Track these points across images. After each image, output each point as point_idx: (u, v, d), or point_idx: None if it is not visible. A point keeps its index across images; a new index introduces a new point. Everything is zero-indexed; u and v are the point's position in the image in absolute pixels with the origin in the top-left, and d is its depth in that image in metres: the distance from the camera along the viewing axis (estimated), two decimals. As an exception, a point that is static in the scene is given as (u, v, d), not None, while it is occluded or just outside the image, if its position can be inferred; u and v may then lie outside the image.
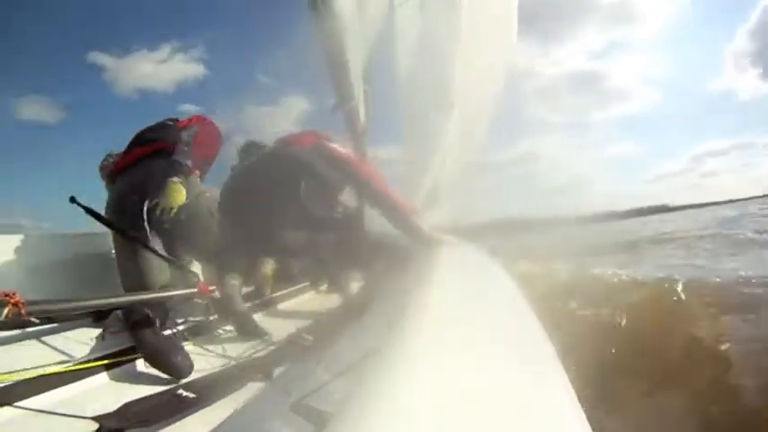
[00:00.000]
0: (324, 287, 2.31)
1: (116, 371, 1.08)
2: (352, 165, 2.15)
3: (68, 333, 1.21)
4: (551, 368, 0.53)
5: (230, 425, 0.86)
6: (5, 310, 0.79)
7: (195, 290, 1.49)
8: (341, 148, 2.18)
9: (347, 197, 2.34)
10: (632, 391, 2.32)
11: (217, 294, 1.60)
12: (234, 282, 1.80)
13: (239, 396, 1.03)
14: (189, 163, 1.59)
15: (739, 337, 2.65)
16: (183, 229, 1.54)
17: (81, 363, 1.02)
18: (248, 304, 1.71)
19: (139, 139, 1.68)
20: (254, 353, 1.29)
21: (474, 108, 3.27)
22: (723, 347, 2.55)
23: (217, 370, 1.19)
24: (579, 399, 0.46)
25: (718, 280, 3.79)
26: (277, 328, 1.51)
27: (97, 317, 1.31)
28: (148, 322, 1.23)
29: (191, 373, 1.13)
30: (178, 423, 0.87)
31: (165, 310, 1.35)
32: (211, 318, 1.54)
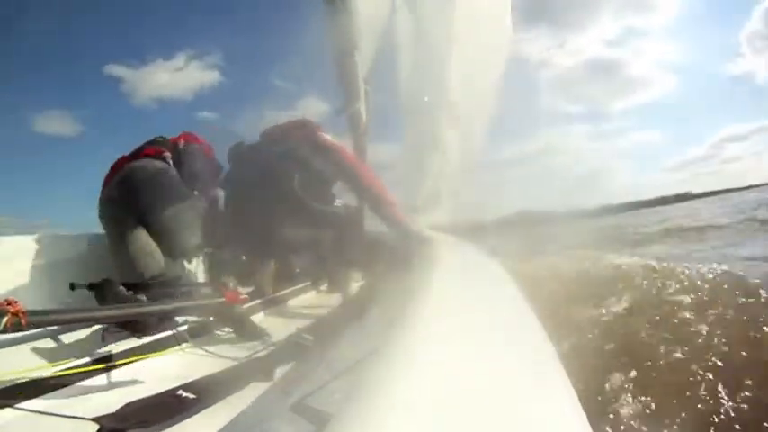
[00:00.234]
0: (324, 287, 2.31)
1: (116, 371, 1.08)
2: (339, 154, 2.18)
3: (68, 333, 1.21)
4: (551, 368, 0.53)
5: (230, 425, 0.86)
6: (5, 320, 0.77)
7: (222, 299, 1.43)
8: (329, 137, 2.20)
9: (342, 192, 2.36)
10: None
11: (247, 302, 1.60)
12: (229, 284, 1.81)
13: (239, 396, 1.03)
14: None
15: None
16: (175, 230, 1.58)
17: (81, 363, 1.02)
18: (245, 305, 1.70)
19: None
20: (255, 353, 1.29)
21: (473, 106, 3.27)
22: None
23: (217, 370, 1.19)
24: (580, 399, 0.46)
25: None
26: (277, 328, 1.51)
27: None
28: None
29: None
30: (178, 423, 0.87)
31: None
32: (211, 318, 1.54)
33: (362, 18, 1.97)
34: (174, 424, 0.86)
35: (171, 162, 1.73)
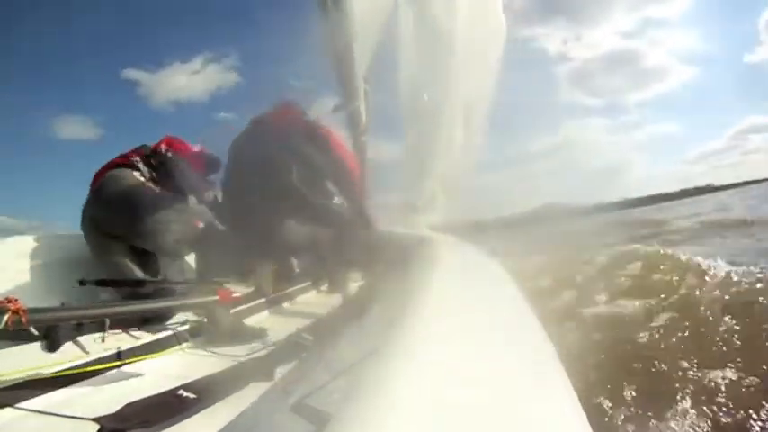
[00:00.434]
0: (324, 287, 2.31)
1: (117, 372, 1.08)
2: (328, 139, 2.21)
3: (69, 333, 1.21)
4: (551, 368, 0.53)
5: (230, 425, 0.86)
6: (5, 318, 0.76)
7: (216, 297, 1.42)
8: (319, 122, 2.22)
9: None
10: None
11: (240, 299, 1.59)
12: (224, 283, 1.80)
13: (239, 396, 1.03)
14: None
15: None
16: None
17: (81, 363, 1.02)
18: (237, 307, 1.65)
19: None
20: (255, 353, 1.29)
21: (474, 104, 3.28)
22: None
23: (217, 370, 1.19)
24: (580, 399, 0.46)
25: None
26: (277, 328, 1.50)
27: None
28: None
29: None
30: (178, 423, 0.87)
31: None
32: (204, 319, 1.53)
33: (359, 16, 1.97)
34: (174, 424, 0.86)
35: (141, 166, 1.70)
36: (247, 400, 0.97)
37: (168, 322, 1.37)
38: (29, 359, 0.97)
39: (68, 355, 1.06)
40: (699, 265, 3.56)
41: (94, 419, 0.80)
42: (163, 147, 1.81)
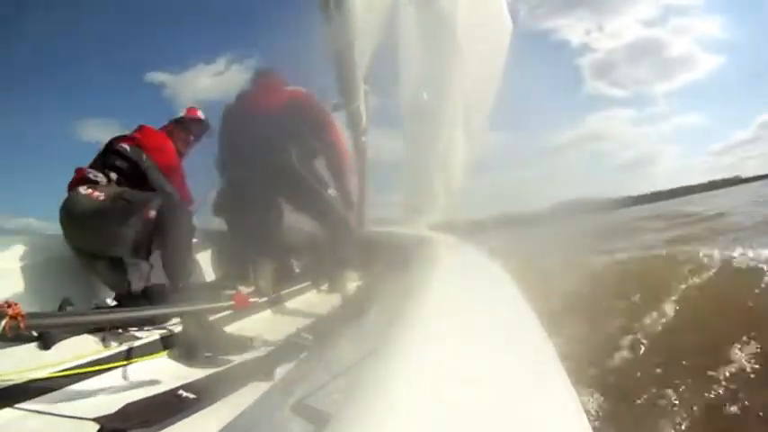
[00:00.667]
0: (324, 287, 2.31)
1: (117, 372, 1.08)
2: (332, 128, 2.27)
3: (69, 333, 1.21)
4: (551, 368, 0.53)
5: (231, 425, 0.86)
6: (3, 323, 0.75)
7: (231, 302, 1.36)
8: (321, 104, 2.25)
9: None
10: None
11: (257, 303, 1.54)
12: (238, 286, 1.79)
13: (240, 396, 1.03)
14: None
15: None
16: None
17: (82, 364, 1.02)
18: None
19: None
20: (255, 353, 1.29)
21: (476, 103, 3.27)
22: None
23: (217, 370, 1.19)
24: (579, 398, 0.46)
25: None
26: (277, 328, 1.50)
27: None
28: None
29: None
30: (179, 423, 0.87)
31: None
32: (212, 318, 1.53)
33: (361, 16, 1.97)
34: (174, 423, 0.86)
35: (95, 176, 1.63)
36: (247, 401, 0.97)
37: (168, 322, 1.37)
38: (29, 359, 0.97)
39: (69, 356, 1.06)
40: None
41: (95, 419, 0.80)
42: (124, 145, 1.73)
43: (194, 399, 0.95)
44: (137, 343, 1.20)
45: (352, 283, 2.28)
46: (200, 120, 1.98)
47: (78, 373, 0.99)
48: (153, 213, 1.54)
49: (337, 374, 0.74)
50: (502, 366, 0.50)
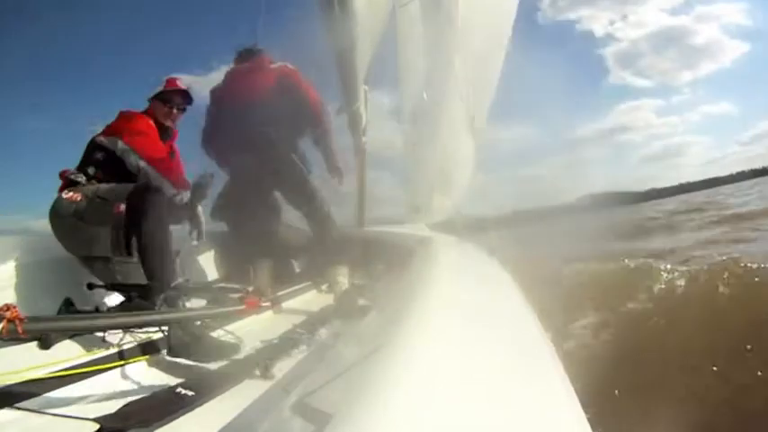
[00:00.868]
0: (324, 287, 2.31)
1: (117, 372, 1.08)
2: (294, 77, 2.24)
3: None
4: (551, 368, 0.54)
5: (230, 425, 0.86)
6: (0, 326, 0.74)
7: (242, 307, 1.30)
8: (287, 69, 2.25)
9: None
10: None
11: (268, 306, 1.45)
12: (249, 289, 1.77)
13: (240, 396, 1.03)
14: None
15: None
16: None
17: (82, 363, 1.02)
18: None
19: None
20: (254, 353, 1.29)
21: (477, 100, 3.27)
22: None
23: (217, 370, 1.19)
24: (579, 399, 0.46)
25: None
26: (277, 327, 1.50)
27: None
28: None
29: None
30: (178, 421, 0.88)
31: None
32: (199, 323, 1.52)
33: (362, 17, 1.97)
34: (172, 421, 0.87)
35: (77, 177, 1.57)
36: (247, 400, 0.97)
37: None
38: (29, 359, 0.97)
39: (68, 356, 1.06)
40: None
41: (94, 419, 0.80)
42: (101, 137, 1.65)
43: (193, 396, 0.95)
44: (136, 342, 1.20)
45: (343, 279, 2.25)
46: (180, 90, 1.82)
47: (78, 373, 0.99)
48: (122, 206, 1.45)
49: (337, 374, 0.74)
50: (501, 366, 0.50)
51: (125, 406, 0.88)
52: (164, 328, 1.19)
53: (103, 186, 1.56)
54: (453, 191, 3.53)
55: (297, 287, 2.17)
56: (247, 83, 2.22)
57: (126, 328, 1.18)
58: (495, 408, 0.40)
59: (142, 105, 1.81)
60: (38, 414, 0.84)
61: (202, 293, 1.44)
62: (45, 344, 1.07)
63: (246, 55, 2.34)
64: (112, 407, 0.87)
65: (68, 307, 1.29)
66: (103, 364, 1.06)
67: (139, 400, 0.94)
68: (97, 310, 1.16)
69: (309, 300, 2.22)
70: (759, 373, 2.04)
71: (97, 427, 0.78)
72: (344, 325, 1.58)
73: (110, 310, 1.27)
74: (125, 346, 1.17)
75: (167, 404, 0.92)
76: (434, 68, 3.17)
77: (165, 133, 1.78)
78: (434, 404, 0.38)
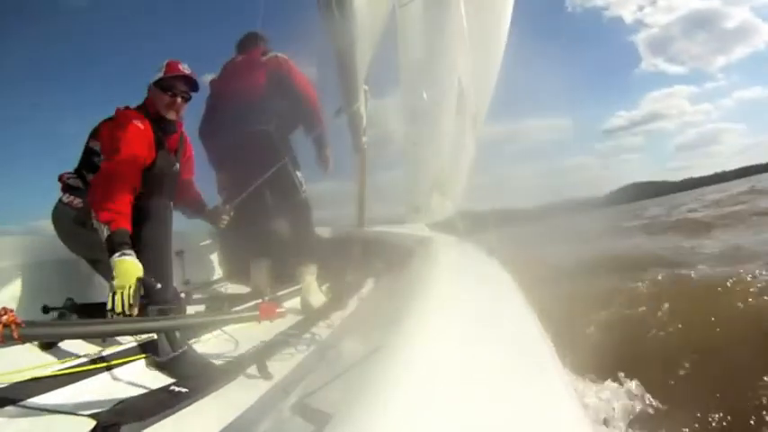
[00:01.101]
0: (324, 287, 2.31)
1: (115, 371, 1.08)
2: (288, 64, 2.20)
3: None
4: (551, 368, 0.54)
5: (225, 422, 0.86)
6: None
7: (256, 313, 1.25)
8: (281, 61, 2.20)
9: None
10: None
11: (285, 314, 1.33)
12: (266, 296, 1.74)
13: (235, 394, 1.03)
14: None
15: None
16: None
17: (81, 363, 1.03)
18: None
19: None
20: (250, 352, 1.29)
21: (479, 97, 3.26)
22: None
23: (213, 368, 1.19)
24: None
25: None
26: (277, 327, 1.50)
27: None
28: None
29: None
30: (172, 417, 0.88)
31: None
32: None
33: (362, 17, 1.97)
34: (167, 417, 0.87)
35: (72, 181, 1.50)
36: (243, 398, 0.97)
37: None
38: (29, 359, 0.97)
39: (67, 355, 1.07)
40: None
41: (90, 415, 0.81)
42: (92, 143, 1.51)
43: (188, 394, 0.96)
44: (134, 343, 1.20)
45: (311, 278, 2.20)
46: (183, 76, 1.53)
47: (77, 373, 0.99)
48: None
49: (337, 374, 0.74)
50: (501, 366, 0.50)
51: (120, 402, 0.89)
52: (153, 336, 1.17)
53: None
54: (453, 191, 3.53)
55: (295, 287, 2.17)
56: (239, 75, 2.21)
57: (124, 335, 1.18)
58: (494, 408, 0.40)
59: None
60: (37, 411, 0.84)
61: (203, 300, 1.43)
62: (45, 344, 1.07)
63: (244, 44, 2.34)
64: (109, 404, 0.88)
65: (70, 307, 1.29)
66: (102, 363, 1.06)
67: (135, 397, 0.95)
68: (99, 308, 1.15)
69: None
70: None
71: (93, 423, 0.79)
72: (344, 325, 1.58)
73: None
74: (123, 346, 1.17)
75: (162, 401, 0.93)
76: (434, 68, 3.17)
77: (168, 126, 1.53)
78: (434, 404, 0.38)
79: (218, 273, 2.52)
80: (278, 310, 1.27)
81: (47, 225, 1.54)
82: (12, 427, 0.81)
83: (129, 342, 1.20)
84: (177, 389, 0.98)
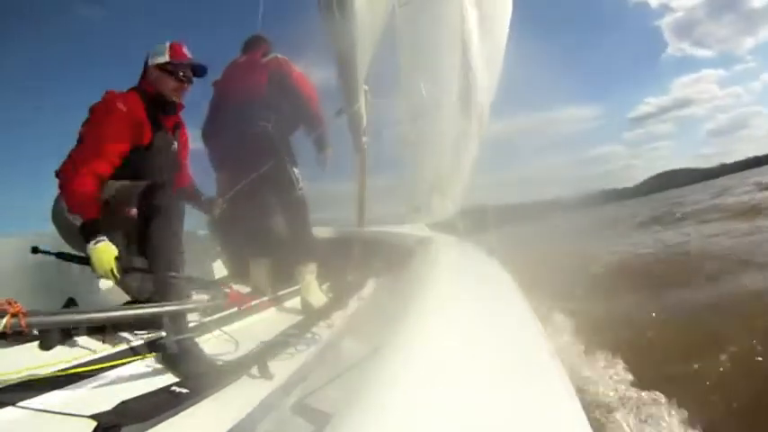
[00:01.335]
0: (324, 287, 2.31)
1: (115, 371, 1.08)
2: (287, 65, 2.18)
3: (69, 333, 1.21)
4: (551, 368, 0.54)
5: (222, 419, 0.86)
6: (4, 321, 0.75)
7: (224, 301, 1.31)
8: (281, 63, 2.18)
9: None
10: None
11: (251, 302, 1.40)
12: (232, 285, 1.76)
13: (236, 394, 1.03)
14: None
15: None
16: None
17: (81, 363, 1.03)
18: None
19: None
20: (252, 352, 1.29)
21: (473, 99, 3.25)
22: None
23: (214, 369, 1.19)
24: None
25: None
26: (277, 327, 1.51)
27: None
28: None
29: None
30: (173, 418, 0.88)
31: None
32: (208, 318, 1.53)
33: (362, 17, 1.97)
34: (168, 418, 0.87)
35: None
36: (244, 398, 0.97)
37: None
38: (28, 359, 0.97)
39: (68, 356, 1.07)
40: None
41: (91, 416, 0.81)
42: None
43: (187, 394, 0.96)
44: (134, 343, 1.20)
45: (311, 277, 2.20)
46: (190, 63, 1.52)
47: (77, 373, 0.99)
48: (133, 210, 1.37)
49: (337, 374, 0.74)
50: (501, 366, 0.50)
51: (121, 403, 0.89)
52: (162, 334, 1.20)
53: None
54: (453, 191, 3.53)
55: (295, 287, 2.17)
56: (239, 76, 2.21)
57: (123, 322, 1.19)
58: (494, 408, 0.40)
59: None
60: (37, 412, 0.84)
61: (200, 288, 1.44)
62: (45, 344, 1.07)
63: (247, 46, 2.33)
64: (110, 405, 0.88)
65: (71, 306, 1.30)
66: (101, 363, 1.06)
67: (136, 398, 0.95)
68: None
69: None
70: None
71: (94, 424, 0.79)
72: (344, 324, 1.58)
73: None
74: (124, 347, 1.17)
75: (163, 402, 0.93)
76: (434, 68, 3.16)
77: (169, 107, 1.51)
78: (433, 404, 0.38)
79: (220, 273, 2.52)
80: (247, 297, 1.33)
81: (47, 225, 1.53)
82: (12, 429, 0.81)
83: (129, 342, 1.20)
84: (178, 389, 0.98)
